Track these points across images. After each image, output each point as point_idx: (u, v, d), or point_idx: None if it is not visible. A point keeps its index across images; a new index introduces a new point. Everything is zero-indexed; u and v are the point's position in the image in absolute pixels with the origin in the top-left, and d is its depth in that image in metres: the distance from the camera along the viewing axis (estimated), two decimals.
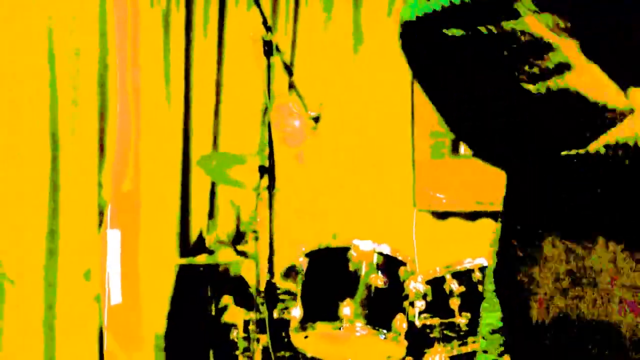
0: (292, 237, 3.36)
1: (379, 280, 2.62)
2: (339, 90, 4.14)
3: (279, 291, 2.79)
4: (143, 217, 3.68)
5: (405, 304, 2.67)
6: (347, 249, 2.67)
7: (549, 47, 0.79)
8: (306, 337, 2.64)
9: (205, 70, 4.00)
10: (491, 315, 0.93)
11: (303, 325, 2.62)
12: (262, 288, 2.61)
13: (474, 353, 2.63)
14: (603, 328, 0.79)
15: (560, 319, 0.80)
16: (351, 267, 2.63)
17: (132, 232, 3.64)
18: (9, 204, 3.21)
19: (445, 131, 0.97)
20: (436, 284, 2.78)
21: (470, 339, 2.66)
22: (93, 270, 3.41)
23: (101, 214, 3.48)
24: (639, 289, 0.78)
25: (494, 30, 0.79)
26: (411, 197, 4.16)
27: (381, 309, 2.61)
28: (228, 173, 3.11)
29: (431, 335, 2.72)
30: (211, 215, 3.72)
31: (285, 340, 2.68)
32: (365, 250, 2.67)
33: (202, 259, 3.23)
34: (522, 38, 0.79)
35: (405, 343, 2.60)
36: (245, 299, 3.16)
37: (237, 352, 2.85)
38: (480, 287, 2.67)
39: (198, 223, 3.85)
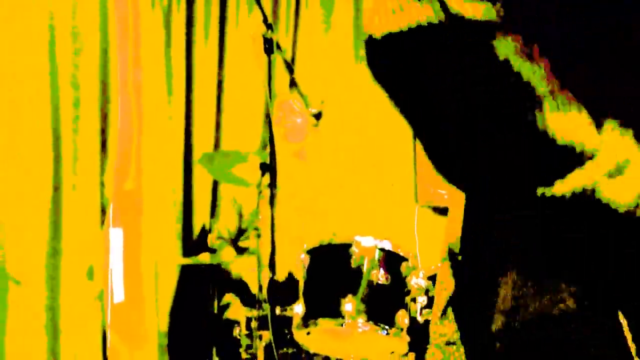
0: (294, 234, 3.37)
1: (380, 276, 2.63)
2: (340, 87, 4.14)
3: (280, 287, 2.80)
4: (145, 215, 3.68)
5: (407, 299, 2.67)
6: (348, 246, 2.67)
7: (519, 77, 0.77)
8: (308, 333, 2.65)
9: (207, 68, 4.01)
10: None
11: (305, 321, 2.63)
12: (264, 285, 2.62)
13: None
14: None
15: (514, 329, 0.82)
16: (353, 264, 2.64)
17: (135, 231, 3.65)
18: (11, 203, 3.22)
19: None
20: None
21: None
22: (96, 268, 3.42)
23: (103, 212, 3.48)
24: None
25: (468, 55, 0.77)
26: (413, 193, 4.17)
27: (383, 305, 2.62)
28: (230, 171, 3.11)
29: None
30: (213, 213, 3.73)
31: (288, 337, 2.69)
32: (366, 247, 2.67)
33: (204, 257, 3.24)
34: (493, 63, 0.76)
35: (408, 339, 2.60)
36: (247, 297, 3.17)
37: (240, 349, 2.86)
38: None
39: (200, 221, 3.86)
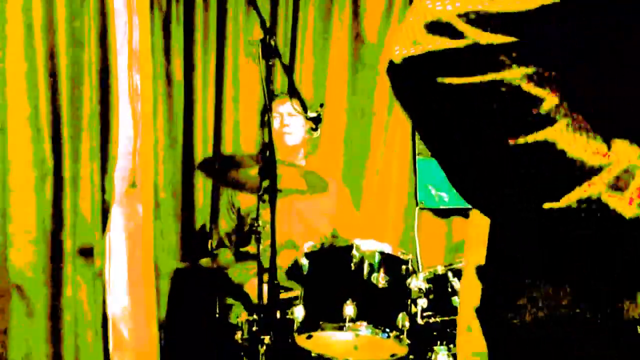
0: (295, 237, 3.38)
1: (381, 279, 2.63)
2: (339, 90, 4.15)
3: (281, 292, 2.80)
4: (145, 220, 3.69)
5: (408, 302, 2.68)
6: (348, 248, 2.68)
7: (531, 100, 0.79)
8: (309, 337, 2.65)
9: (206, 72, 4.02)
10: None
11: (306, 325, 2.63)
12: (264, 289, 2.62)
13: None
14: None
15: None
16: (353, 267, 2.64)
17: (136, 235, 3.66)
18: (11, 208, 3.22)
19: None
20: (438, 282, 2.79)
21: None
22: (98, 273, 3.42)
23: (105, 217, 3.49)
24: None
25: (477, 81, 0.78)
26: (413, 196, 4.17)
27: (383, 307, 2.62)
28: (230, 175, 3.12)
29: (434, 334, 2.73)
30: (213, 217, 3.74)
31: (289, 340, 2.69)
32: (366, 250, 2.68)
33: (205, 261, 3.24)
34: (504, 90, 0.78)
35: (408, 341, 2.61)
36: (248, 301, 3.17)
37: (242, 353, 2.86)
38: None
39: (200, 226, 3.87)
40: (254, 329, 2.76)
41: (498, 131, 0.80)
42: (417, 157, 4.16)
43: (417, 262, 4.00)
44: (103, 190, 3.49)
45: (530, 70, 0.79)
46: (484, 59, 0.78)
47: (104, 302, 3.45)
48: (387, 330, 2.58)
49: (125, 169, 3.62)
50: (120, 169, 3.59)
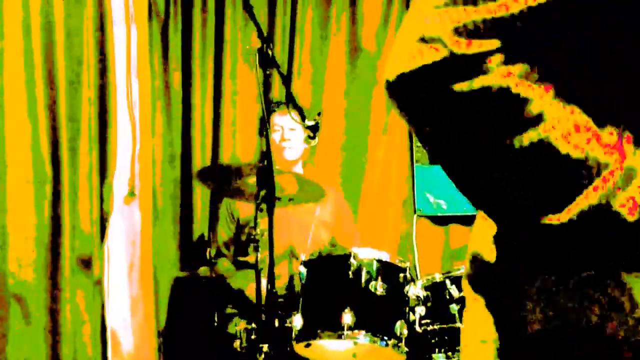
0: (293, 246, 3.38)
1: (378, 287, 2.64)
2: (337, 99, 4.16)
3: (280, 300, 2.81)
4: (144, 229, 3.70)
5: (406, 310, 2.68)
6: (346, 257, 2.69)
7: (521, 100, 0.80)
8: (308, 345, 2.66)
9: (204, 81, 4.03)
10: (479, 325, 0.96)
11: (304, 333, 2.64)
12: (263, 298, 2.62)
13: None
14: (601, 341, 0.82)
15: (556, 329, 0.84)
16: (351, 275, 2.65)
17: (134, 243, 3.67)
18: (10, 217, 3.23)
19: None
20: (436, 289, 2.79)
21: None
22: (96, 282, 3.43)
23: (103, 226, 3.50)
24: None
25: (470, 87, 0.80)
26: (411, 204, 4.18)
27: (382, 316, 2.63)
28: (228, 184, 3.12)
29: (432, 341, 2.73)
30: (212, 226, 3.75)
31: (288, 349, 2.69)
32: (364, 258, 2.68)
33: (203, 270, 3.25)
34: (494, 92, 0.80)
35: (406, 349, 2.61)
36: (247, 309, 3.17)
37: None
38: None
39: (199, 234, 3.88)
40: (253, 337, 2.76)
41: (494, 134, 0.81)
42: (415, 164, 4.17)
43: (415, 269, 4.01)
44: (102, 199, 3.50)
45: (519, 71, 0.80)
46: (474, 66, 0.80)
47: (102, 311, 3.45)
48: (386, 338, 2.58)
49: (123, 178, 3.63)
50: (119, 178, 3.60)
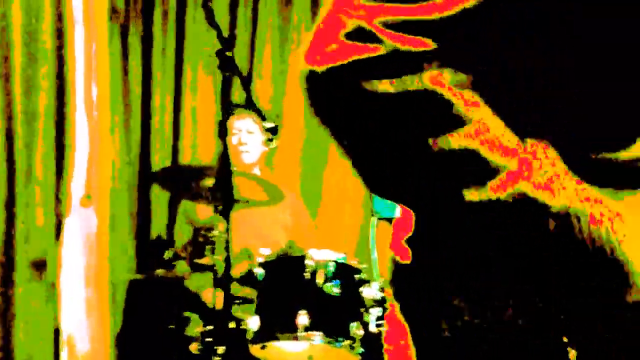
0: (250, 248, 3.38)
1: (334, 288, 2.65)
2: (297, 101, 4.17)
3: (236, 302, 2.80)
4: (100, 231, 3.66)
5: (362, 311, 2.70)
6: (303, 258, 2.70)
7: (446, 103, 0.81)
8: (264, 347, 2.66)
9: (164, 83, 4.01)
10: None
11: (261, 335, 2.64)
12: (219, 300, 2.62)
13: None
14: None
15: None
16: (307, 276, 2.66)
17: (90, 246, 3.63)
18: None
19: None
20: None
21: None
22: (51, 285, 3.39)
23: (59, 228, 3.46)
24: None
25: (398, 86, 0.80)
26: (369, 205, 4.20)
27: (337, 316, 2.64)
28: (186, 186, 3.12)
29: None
30: (170, 228, 3.73)
31: (244, 350, 2.69)
32: (321, 259, 2.70)
33: (160, 272, 3.23)
34: (424, 93, 0.80)
35: (362, 350, 2.63)
36: (203, 312, 3.16)
37: None
38: None
39: (156, 236, 3.85)
40: (209, 340, 2.76)
41: (419, 133, 0.81)
42: None
43: (373, 271, 4.03)
44: (57, 201, 3.46)
45: (449, 74, 0.81)
46: (404, 64, 0.80)
47: (57, 314, 3.41)
48: (341, 339, 2.59)
49: (80, 180, 3.59)
50: (76, 180, 3.56)
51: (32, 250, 3.33)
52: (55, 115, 3.50)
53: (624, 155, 0.84)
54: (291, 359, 2.74)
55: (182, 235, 3.51)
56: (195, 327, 2.94)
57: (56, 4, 3.53)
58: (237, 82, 3.82)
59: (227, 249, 2.57)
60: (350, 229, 4.16)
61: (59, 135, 3.51)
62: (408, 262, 0.95)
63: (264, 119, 3.21)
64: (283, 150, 4.06)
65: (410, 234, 0.95)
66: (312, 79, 0.84)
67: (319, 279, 2.66)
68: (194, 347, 2.88)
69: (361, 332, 2.62)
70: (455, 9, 0.79)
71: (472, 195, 0.81)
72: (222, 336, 2.61)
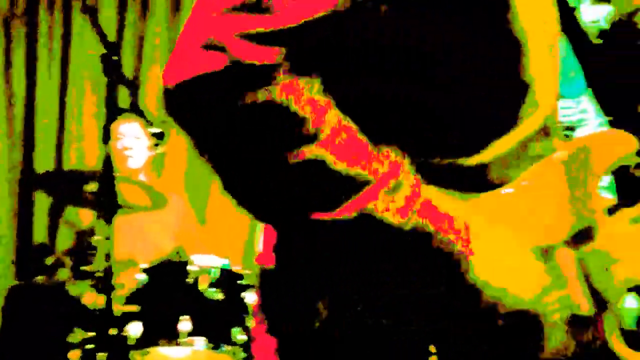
0: (133, 254, 3.36)
1: (217, 293, 2.68)
2: None
3: (118, 309, 2.78)
4: None
5: (244, 316, 2.73)
6: (185, 264, 2.71)
7: (299, 117, 0.81)
8: (146, 354, 2.65)
9: (49, 88, 3.93)
10: None
11: (142, 341, 2.63)
12: (100, 307, 2.59)
13: None
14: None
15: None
16: (190, 282, 2.67)
17: None
18: None
19: None
20: None
21: None
22: None
23: None
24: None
25: (249, 99, 0.80)
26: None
27: (220, 322, 2.67)
28: (69, 191, 3.07)
29: None
30: (52, 234, 3.65)
31: (125, 358, 2.67)
32: (203, 265, 2.72)
33: (41, 279, 3.16)
34: (274, 107, 0.81)
35: (244, 355, 2.66)
36: (85, 319, 3.12)
37: None
38: None
39: (38, 242, 3.76)
40: (90, 346, 2.72)
41: (270, 147, 0.83)
42: None
43: (255, 276, 4.05)
44: None
45: (304, 84, 0.83)
46: (255, 77, 0.80)
47: None
48: (223, 344, 2.62)
49: None
50: None
51: None
52: None
53: (470, 161, 0.90)
54: None
55: (65, 241, 3.44)
56: (76, 334, 2.90)
57: None
58: (122, 86, 3.79)
59: (108, 255, 2.55)
60: (237, 233, 4.18)
61: None
62: (272, 267, 0.97)
63: (150, 124, 3.19)
64: (170, 155, 4.04)
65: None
66: (167, 92, 0.84)
67: (202, 285, 2.68)
68: (74, 355, 2.84)
69: (243, 338, 2.65)
70: (303, 19, 0.80)
71: (320, 216, 0.85)
72: (104, 343, 2.59)
